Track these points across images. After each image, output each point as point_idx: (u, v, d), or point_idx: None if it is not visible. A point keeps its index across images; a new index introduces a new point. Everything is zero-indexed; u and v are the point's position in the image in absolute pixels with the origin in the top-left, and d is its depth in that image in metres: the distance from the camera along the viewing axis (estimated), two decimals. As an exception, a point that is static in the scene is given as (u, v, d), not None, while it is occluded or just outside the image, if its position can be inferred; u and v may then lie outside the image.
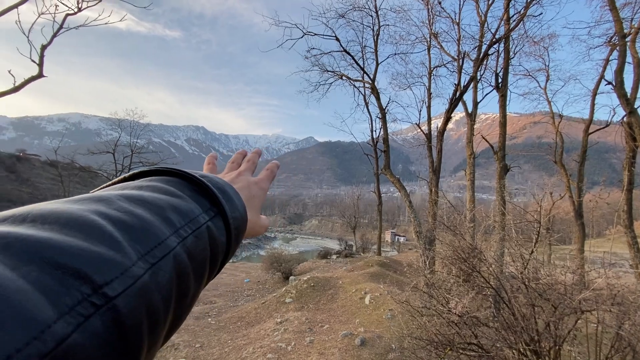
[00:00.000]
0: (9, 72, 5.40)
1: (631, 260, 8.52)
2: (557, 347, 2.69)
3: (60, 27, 6.74)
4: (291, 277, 14.95)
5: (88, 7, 7.13)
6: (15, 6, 5.33)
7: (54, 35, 6.68)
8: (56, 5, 6.66)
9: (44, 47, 6.38)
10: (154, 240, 0.27)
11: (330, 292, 10.63)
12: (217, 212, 0.37)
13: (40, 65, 6.16)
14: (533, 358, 2.71)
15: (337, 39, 11.52)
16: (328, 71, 12.54)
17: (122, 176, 0.40)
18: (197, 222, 0.33)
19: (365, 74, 12.32)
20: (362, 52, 13.06)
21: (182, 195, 0.35)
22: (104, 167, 27.50)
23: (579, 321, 2.64)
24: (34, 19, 6.34)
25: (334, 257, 23.59)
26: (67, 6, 6.85)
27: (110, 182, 0.38)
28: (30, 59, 6.06)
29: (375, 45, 12.18)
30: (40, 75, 6.11)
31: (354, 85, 14.45)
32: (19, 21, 5.77)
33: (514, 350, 2.69)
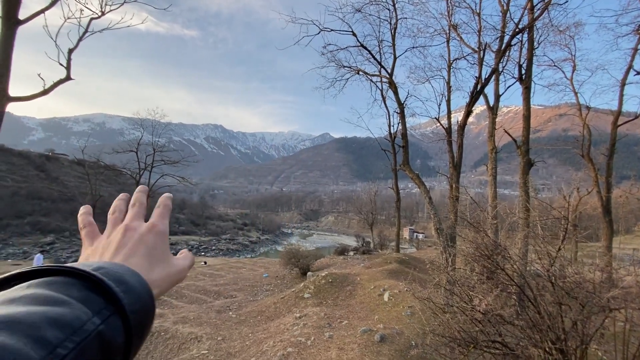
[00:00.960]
0: (39, 75, 5.68)
1: (666, 258, 8.08)
2: (584, 346, 2.64)
3: (86, 30, 7.05)
4: (309, 273, 15.11)
5: (111, 10, 7.42)
6: (43, 11, 5.59)
7: (80, 39, 6.99)
8: (81, 10, 6.96)
9: (71, 51, 6.67)
10: None
11: (349, 289, 10.68)
12: (114, 311, 0.33)
13: (68, 68, 6.46)
14: (559, 357, 2.66)
15: (354, 34, 11.43)
16: (345, 67, 12.49)
17: None
18: (83, 331, 0.29)
19: (382, 69, 12.19)
20: (379, 47, 12.91)
21: (67, 300, 0.31)
22: (128, 165, 28.62)
23: (606, 320, 2.58)
24: (60, 22, 6.65)
25: (352, 253, 23.58)
26: (91, 10, 7.14)
27: None
28: (59, 62, 6.36)
29: (393, 39, 12.01)
30: (68, 77, 6.40)
31: (371, 80, 14.32)
32: (46, 25, 6.06)
33: (539, 349, 2.65)
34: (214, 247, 57.64)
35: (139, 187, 0.59)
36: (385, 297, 8.83)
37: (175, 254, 0.53)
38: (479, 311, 2.20)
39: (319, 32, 10.92)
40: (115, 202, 0.56)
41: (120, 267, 0.38)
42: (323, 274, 11.89)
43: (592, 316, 2.65)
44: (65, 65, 6.56)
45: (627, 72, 14.25)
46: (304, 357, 5.60)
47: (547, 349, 2.66)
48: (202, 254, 49.28)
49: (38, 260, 18.86)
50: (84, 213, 0.55)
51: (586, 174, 16.94)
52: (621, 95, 14.93)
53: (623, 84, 14.77)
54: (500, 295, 2.68)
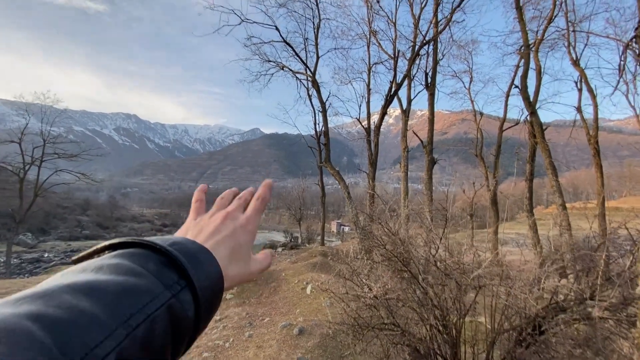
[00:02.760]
0: None
1: (530, 239, 9.99)
2: (461, 319, 3.06)
3: None
4: (234, 273, 14.57)
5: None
6: None
7: None
8: None
9: None
10: (92, 339, 0.26)
11: (273, 285, 10.62)
12: (185, 285, 0.36)
13: None
14: (442, 330, 3.03)
15: (277, 29, 11.32)
16: (269, 61, 12.28)
17: (90, 250, 0.39)
18: (154, 303, 0.32)
19: (306, 67, 12.34)
20: (304, 44, 13.03)
21: (143, 272, 0.34)
22: (8, 159, 23.56)
23: (477, 295, 3.03)
24: None
25: (280, 249, 23.55)
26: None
27: (79, 256, 0.39)
28: None
29: (316, 39, 12.26)
30: None
31: (297, 77, 14.41)
32: None
33: (426, 326, 2.98)
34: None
35: (248, 188, 0.63)
36: (308, 290, 9.03)
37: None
38: (369, 296, 2.38)
39: (240, 22, 10.51)
40: (225, 192, 0.61)
41: (194, 245, 0.40)
42: (247, 273, 11.60)
43: (467, 293, 3.08)
44: None
45: (510, 86, 17.08)
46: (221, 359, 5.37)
47: (432, 324, 3.00)
48: (112, 260, 43.57)
49: None
50: (199, 190, 0.61)
51: (480, 171, 19.92)
52: (506, 105, 17.87)
53: (507, 95, 17.67)
54: (395, 280, 2.92)
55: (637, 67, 9.27)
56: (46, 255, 42.84)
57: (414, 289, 3.00)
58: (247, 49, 12.13)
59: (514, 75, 15.91)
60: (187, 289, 0.36)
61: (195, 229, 0.51)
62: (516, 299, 2.62)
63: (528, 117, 10.40)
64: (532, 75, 11.53)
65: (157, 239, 0.39)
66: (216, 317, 8.28)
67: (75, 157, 23.98)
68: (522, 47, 12.62)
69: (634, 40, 7.89)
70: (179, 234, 0.51)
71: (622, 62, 9.45)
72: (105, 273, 0.32)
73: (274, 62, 12.32)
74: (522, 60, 12.70)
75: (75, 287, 0.29)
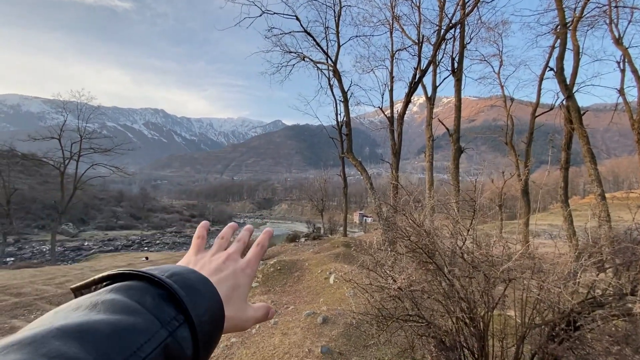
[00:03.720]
0: None
1: (565, 231, 9.49)
2: (489, 313, 2.98)
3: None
4: (259, 262, 14.97)
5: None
6: None
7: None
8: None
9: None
10: None
11: (297, 274, 10.82)
12: (183, 320, 0.35)
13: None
14: (469, 323, 2.97)
15: (298, 19, 11.21)
16: (290, 52, 12.23)
17: (88, 280, 0.38)
18: (149, 345, 0.31)
19: (327, 56, 12.19)
20: (325, 33, 12.85)
21: (139, 309, 0.33)
22: (50, 154, 25.26)
23: (507, 289, 2.93)
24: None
25: (302, 239, 23.86)
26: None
27: (77, 286, 0.38)
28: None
29: (337, 27, 12.03)
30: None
31: (318, 67, 14.28)
32: None
33: (452, 318, 2.93)
34: (158, 241, 54.11)
35: (247, 226, 0.64)
36: (331, 280, 9.12)
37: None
38: (394, 288, 2.36)
39: (261, 14, 10.51)
40: (225, 230, 0.61)
41: (195, 275, 0.40)
42: (272, 262, 11.87)
43: (495, 286, 2.99)
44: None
45: (545, 68, 16.05)
46: (248, 345, 5.57)
47: (458, 317, 2.95)
48: (145, 249, 46.12)
49: None
50: (202, 227, 0.60)
51: (510, 160, 19.04)
52: (539, 89, 16.82)
53: (541, 79, 16.61)
54: (420, 272, 2.89)
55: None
56: (86, 243, 45.99)
57: (439, 281, 2.95)
58: (268, 41, 12.17)
59: (549, 57, 14.90)
60: (185, 324, 0.35)
61: (197, 264, 0.51)
62: (549, 293, 2.51)
63: (564, 102, 9.75)
64: (568, 56, 10.76)
65: (157, 270, 0.38)
66: (243, 304, 8.58)
67: (109, 152, 25.33)
68: (559, 27, 11.77)
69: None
70: (183, 263, 0.52)
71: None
72: (99, 311, 0.31)
73: (295, 52, 12.27)
74: (558, 41, 11.85)
75: (66, 330, 0.28)
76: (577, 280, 2.43)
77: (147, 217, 69.72)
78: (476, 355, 2.99)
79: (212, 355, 3.53)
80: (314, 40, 11.44)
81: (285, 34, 11.50)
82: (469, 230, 2.91)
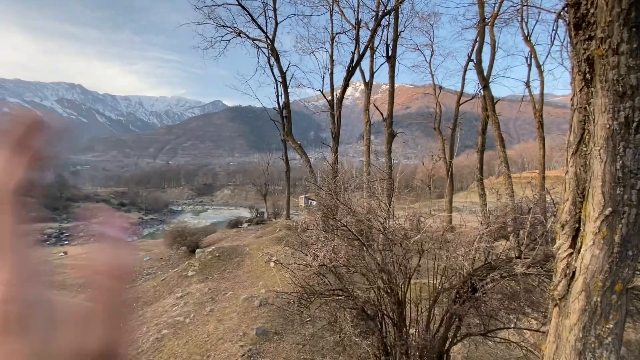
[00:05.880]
0: None
1: (479, 206, 10.79)
2: (406, 282, 3.25)
3: None
4: (197, 250, 14.34)
5: None
6: None
7: None
8: None
9: None
10: None
11: (237, 260, 10.62)
12: None
13: None
14: (390, 292, 3.21)
15: (232, -10, 10.49)
16: (224, 26, 11.44)
17: None
18: None
19: (265, 34, 11.69)
20: (263, 9, 12.24)
21: None
22: None
23: (422, 259, 3.21)
24: None
25: (245, 225, 23.41)
26: None
27: None
28: None
29: (274, 3, 11.57)
30: None
31: (256, 45, 13.65)
32: None
33: (373, 289, 3.13)
34: (81, 234, 48.35)
35: None
36: (272, 263, 9.13)
37: None
38: (317, 265, 2.44)
39: (190, -20, 9.57)
40: None
41: None
42: (210, 249, 11.45)
43: (412, 257, 3.26)
44: None
45: (468, 60, 17.60)
46: (180, 335, 5.35)
47: (380, 287, 3.15)
48: (66, 242, 40.94)
49: None
50: None
51: (439, 144, 20.78)
52: (463, 79, 18.44)
53: (465, 69, 18.17)
54: (343, 248, 3.00)
55: (567, 36, 9.90)
56: (-15, 240, 39.09)
57: (363, 255, 3.10)
58: (199, 12, 11.20)
59: (472, 50, 16.31)
60: None
61: None
62: (455, 260, 2.82)
63: (481, 91, 10.84)
64: (487, 50, 11.92)
65: None
66: (177, 294, 8.18)
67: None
68: (479, 21, 12.92)
69: (565, 9, 8.34)
70: None
71: (554, 32, 9.97)
72: None
73: (230, 27, 11.51)
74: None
75: None
76: (474, 247, 2.75)
77: (66, 208, 61.51)
78: (395, 321, 3.26)
79: (140, 350, 3.28)
80: (249, 14, 10.85)
81: (218, 5, 10.67)
82: (388, 208, 3.08)
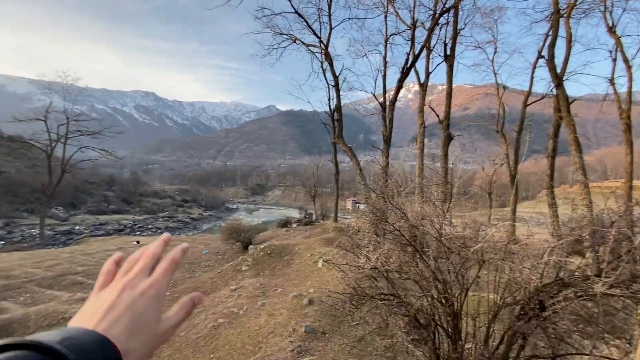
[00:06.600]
0: None
1: (549, 218, 9.73)
2: (463, 293, 3.09)
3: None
4: (250, 247, 15.11)
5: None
6: None
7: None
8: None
9: None
10: None
11: (286, 258, 10.96)
12: None
13: None
14: (444, 303, 3.08)
15: (289, -1, 10.94)
16: (281, 34, 11.96)
17: None
18: None
19: (319, 39, 11.96)
20: (318, 15, 12.55)
21: None
22: (36, 137, 24.68)
23: (482, 270, 3.02)
24: None
25: (294, 225, 24.06)
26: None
27: None
28: None
29: (329, 8, 11.78)
30: None
31: (310, 51, 14.03)
32: None
33: (427, 298, 3.03)
34: (150, 226, 53.99)
35: (163, 235, 0.58)
36: (320, 264, 9.27)
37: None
38: (369, 268, 2.43)
39: (251, -8, 10.19)
40: (134, 254, 0.55)
41: (89, 336, 0.38)
42: (262, 247, 11.99)
43: (470, 267, 3.08)
44: None
45: (538, 56, 16.03)
46: (234, 325, 5.70)
47: (434, 296, 3.04)
48: (137, 233, 46.05)
49: None
50: (110, 261, 0.55)
51: (501, 148, 19.22)
52: (532, 77, 16.81)
53: (534, 67, 16.58)
54: (397, 252, 2.95)
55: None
56: (77, 227, 45.67)
57: (416, 262, 3.02)
58: (259, 22, 11.86)
59: (542, 45, 14.84)
60: None
61: (93, 307, 0.47)
62: (520, 274, 2.61)
63: (554, 90, 9.80)
64: (561, 44, 10.73)
65: (47, 337, 0.35)
66: (232, 287, 8.71)
67: (97, 134, 24.81)
68: (552, 13, 11.69)
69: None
70: (80, 313, 0.48)
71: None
72: None
73: (286, 34, 12.00)
74: (552, 28, 11.80)
75: None
76: (544, 260, 2.51)
77: (139, 202, 69.21)
78: (449, 333, 3.11)
79: (199, 335, 3.60)
80: (305, 21, 11.20)
81: (276, 14, 11.23)
82: (445, 214, 2.97)
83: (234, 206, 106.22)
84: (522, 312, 2.99)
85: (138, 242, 22.06)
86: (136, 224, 54.14)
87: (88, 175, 63.71)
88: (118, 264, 0.54)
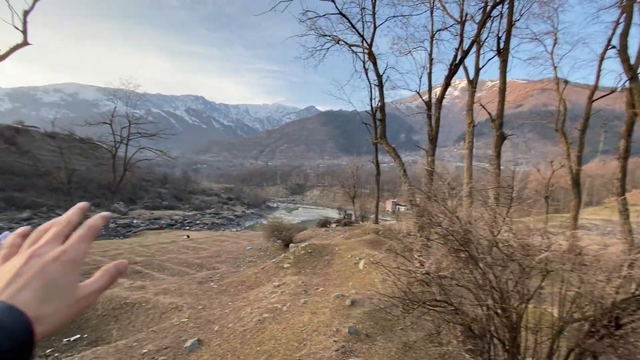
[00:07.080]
0: (-6, 40, 5.26)
1: (620, 226, 8.70)
2: (523, 305, 2.88)
3: (42, -10, 6.47)
4: (291, 245, 15.46)
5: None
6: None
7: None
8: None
9: (26, 13, 6.12)
10: None
11: (327, 258, 11.04)
12: None
13: (25, 32, 5.96)
14: (501, 314, 2.90)
15: (333, 0, 10.99)
16: (324, 35, 12.06)
17: None
18: None
19: (362, 39, 11.87)
20: (361, 15, 12.47)
21: None
22: (104, 138, 27.54)
23: (544, 282, 2.80)
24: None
25: (333, 225, 24.14)
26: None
27: None
28: (13, 25, 5.86)
29: (373, 7, 11.63)
30: (25, 43, 5.93)
31: (352, 51, 13.97)
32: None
33: (482, 307, 2.88)
34: (198, 222, 57.58)
35: (79, 204, 0.56)
36: (361, 265, 9.20)
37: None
38: (421, 272, 2.36)
39: (296, -4, 10.43)
40: (43, 225, 0.52)
41: None
42: (303, 245, 12.19)
43: (532, 278, 2.87)
44: (21, 29, 6.04)
45: (607, 46, 14.36)
46: (279, 321, 5.86)
47: (489, 306, 2.88)
48: (187, 228, 49.31)
49: (4, 237, 18.37)
50: (15, 235, 0.52)
51: (560, 148, 17.55)
52: (599, 70, 15.02)
53: (602, 58, 14.81)
54: (450, 258, 2.85)
55: None
56: (135, 221, 50.12)
57: (470, 269, 2.88)
58: (302, 25, 12.08)
59: (612, 34, 13.27)
60: None
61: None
62: (592, 287, 2.37)
63: (627, 84, 8.74)
64: (635, 32, 9.54)
65: None
66: (274, 283, 8.98)
67: (154, 136, 27.06)
68: (626, -2, 10.43)
69: None
70: None
71: None
72: None
73: (330, 35, 12.07)
74: (624, 16, 10.53)
75: None
76: (622, 274, 2.26)
77: (188, 199, 74.13)
78: (507, 346, 2.92)
79: (245, 328, 3.77)
80: (349, 22, 11.17)
81: (320, 16, 11.35)
82: (504, 219, 2.80)
83: (275, 205, 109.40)
84: (592, 329, 2.72)
85: (188, 236, 23.59)
86: (186, 219, 58.00)
87: (145, 173, 69.56)
88: (24, 237, 0.51)
